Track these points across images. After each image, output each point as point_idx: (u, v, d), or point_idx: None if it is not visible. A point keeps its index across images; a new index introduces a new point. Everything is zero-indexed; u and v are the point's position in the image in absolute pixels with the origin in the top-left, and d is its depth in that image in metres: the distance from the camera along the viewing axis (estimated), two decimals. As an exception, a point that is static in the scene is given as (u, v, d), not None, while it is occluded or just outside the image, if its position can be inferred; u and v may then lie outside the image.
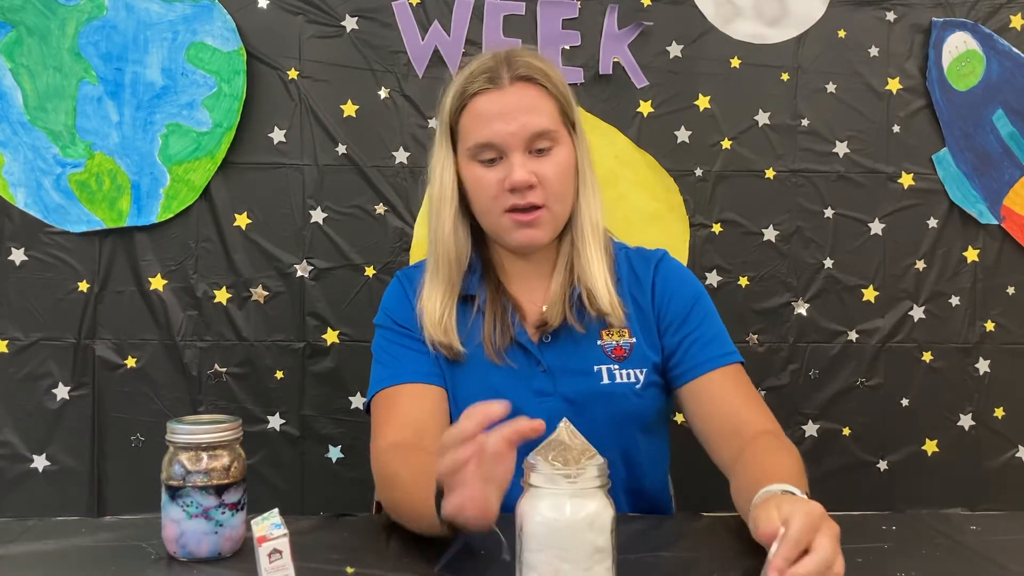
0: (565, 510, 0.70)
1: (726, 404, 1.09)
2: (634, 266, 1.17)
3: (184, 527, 0.86)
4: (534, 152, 1.08)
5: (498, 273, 1.16)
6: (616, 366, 1.11)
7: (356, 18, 1.77)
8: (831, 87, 1.85)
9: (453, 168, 1.12)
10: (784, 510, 0.74)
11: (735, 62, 1.83)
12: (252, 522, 0.81)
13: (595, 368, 1.11)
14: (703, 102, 1.84)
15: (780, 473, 0.89)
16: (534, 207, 1.08)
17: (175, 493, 0.87)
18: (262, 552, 0.76)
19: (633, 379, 1.11)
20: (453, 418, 1.13)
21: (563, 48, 1.77)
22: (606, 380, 1.10)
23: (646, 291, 1.15)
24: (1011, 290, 1.90)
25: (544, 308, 1.13)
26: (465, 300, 1.14)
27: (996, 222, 1.89)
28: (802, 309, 1.86)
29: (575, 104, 1.14)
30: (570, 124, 1.12)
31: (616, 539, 0.72)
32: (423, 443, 1.01)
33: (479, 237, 1.16)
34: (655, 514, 1.16)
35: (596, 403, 1.10)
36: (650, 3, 1.81)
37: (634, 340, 1.12)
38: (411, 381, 1.10)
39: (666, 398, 1.17)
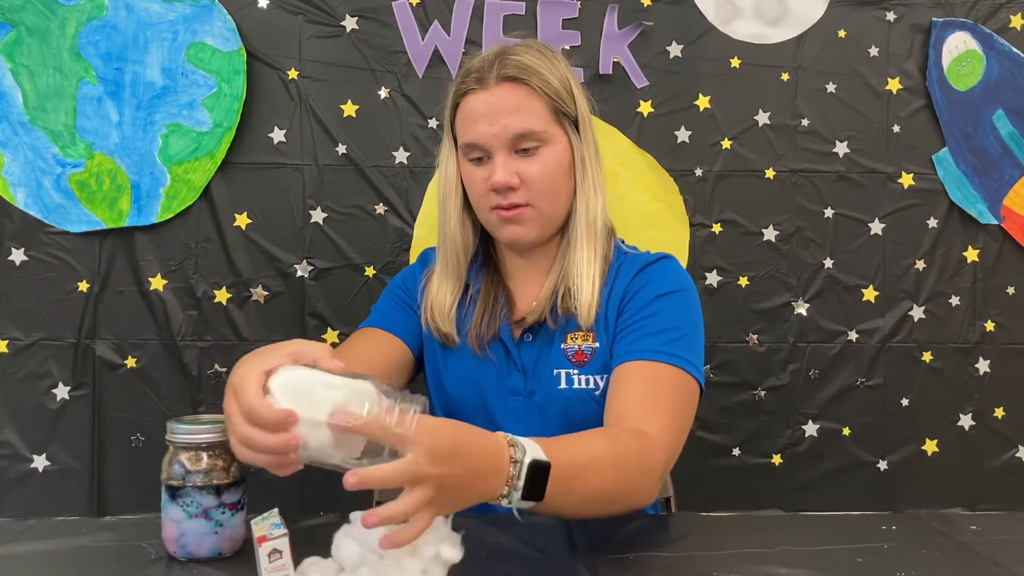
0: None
1: (620, 401, 0.99)
2: (622, 272, 1.12)
3: (184, 527, 0.86)
4: (519, 152, 1.07)
5: (499, 268, 1.17)
6: (576, 371, 1.09)
7: (356, 18, 1.77)
8: (831, 87, 1.85)
9: (455, 163, 1.13)
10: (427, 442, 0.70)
11: (735, 62, 1.83)
12: (252, 522, 0.81)
13: (555, 372, 1.09)
14: (703, 102, 1.84)
15: (573, 440, 0.86)
16: (516, 206, 1.07)
17: (175, 493, 0.87)
18: (262, 552, 0.76)
19: (592, 385, 1.08)
20: (433, 397, 1.16)
21: (563, 48, 1.77)
22: (563, 385, 1.09)
23: (619, 293, 1.10)
24: (1011, 290, 1.90)
25: (533, 305, 1.12)
26: (464, 289, 1.15)
27: (996, 222, 1.89)
28: (802, 309, 1.86)
29: (579, 100, 1.10)
30: (569, 121, 1.10)
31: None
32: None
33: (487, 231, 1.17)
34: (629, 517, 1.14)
35: (554, 407, 1.09)
36: (650, 3, 1.81)
37: (597, 345, 1.08)
38: (381, 327, 1.15)
39: None
